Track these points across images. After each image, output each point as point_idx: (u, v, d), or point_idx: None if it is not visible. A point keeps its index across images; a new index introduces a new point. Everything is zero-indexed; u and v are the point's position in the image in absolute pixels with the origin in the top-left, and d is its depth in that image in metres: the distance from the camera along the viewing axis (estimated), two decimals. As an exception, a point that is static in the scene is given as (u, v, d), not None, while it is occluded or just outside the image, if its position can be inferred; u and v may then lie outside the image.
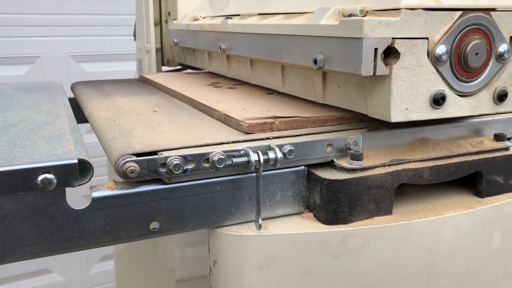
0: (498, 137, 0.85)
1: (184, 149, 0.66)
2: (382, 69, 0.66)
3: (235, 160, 0.67)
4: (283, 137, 0.73)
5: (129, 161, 0.62)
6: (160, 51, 1.72)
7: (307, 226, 0.73)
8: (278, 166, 0.69)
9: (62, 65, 2.61)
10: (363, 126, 0.79)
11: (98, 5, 2.60)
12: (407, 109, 0.69)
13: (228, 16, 1.13)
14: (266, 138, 0.71)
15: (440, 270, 0.79)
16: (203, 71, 1.51)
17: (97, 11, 2.61)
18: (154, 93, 1.13)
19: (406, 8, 0.65)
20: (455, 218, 0.78)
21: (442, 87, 0.70)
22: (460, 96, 0.72)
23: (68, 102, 1.05)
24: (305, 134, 0.74)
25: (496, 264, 0.85)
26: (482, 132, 0.88)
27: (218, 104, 0.90)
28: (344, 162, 0.74)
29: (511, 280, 0.88)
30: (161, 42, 1.72)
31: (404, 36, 0.66)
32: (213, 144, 0.68)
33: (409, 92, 0.68)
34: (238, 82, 1.20)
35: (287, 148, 0.71)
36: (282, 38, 0.84)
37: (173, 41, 1.49)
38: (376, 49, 0.64)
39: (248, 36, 0.97)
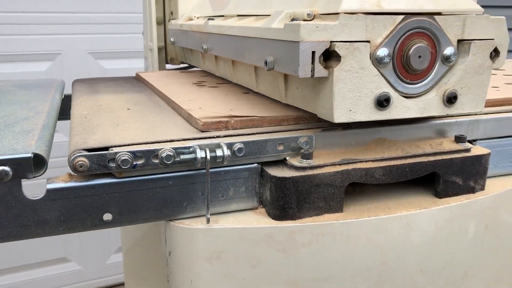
0: (458, 139, 0.86)
1: (135, 145, 0.71)
2: (320, 71, 0.68)
3: (182, 157, 0.71)
4: (235, 135, 0.76)
5: (79, 156, 0.67)
6: (164, 49, 1.77)
7: (256, 221, 0.76)
8: (225, 163, 0.73)
9: (81, 62, 2.70)
10: (319, 126, 0.81)
11: (117, 3, 2.67)
12: (350, 110, 0.71)
13: (211, 17, 1.17)
14: (217, 137, 0.75)
15: (392, 268, 0.81)
16: (198, 69, 1.56)
17: (116, 10, 2.69)
18: (142, 91, 1.18)
19: (345, 13, 0.67)
20: (407, 217, 0.79)
21: (386, 89, 0.72)
22: (407, 97, 0.74)
23: (58, 99, 1.11)
24: (258, 133, 0.77)
25: (454, 265, 0.86)
26: (445, 134, 0.88)
27: (190, 102, 0.94)
28: (295, 161, 0.77)
29: (472, 281, 0.89)
30: (165, 41, 1.77)
31: (343, 40, 0.68)
32: (164, 141, 0.72)
33: (352, 94, 0.70)
34: (224, 81, 1.23)
35: (237, 146, 0.74)
36: (244, 40, 0.87)
37: (171, 40, 1.53)
38: (313, 52, 0.67)
39: (221, 37, 1.01)
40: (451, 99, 0.75)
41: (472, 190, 0.86)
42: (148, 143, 0.71)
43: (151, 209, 0.73)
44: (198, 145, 0.72)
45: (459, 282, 0.87)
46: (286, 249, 0.75)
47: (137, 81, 1.37)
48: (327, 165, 0.77)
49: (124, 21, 2.71)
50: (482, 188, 0.88)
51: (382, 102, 0.71)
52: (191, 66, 1.75)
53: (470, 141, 0.91)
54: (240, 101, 0.96)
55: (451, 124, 0.88)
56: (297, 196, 0.75)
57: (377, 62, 0.70)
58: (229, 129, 0.79)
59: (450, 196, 0.85)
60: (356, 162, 0.78)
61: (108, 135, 0.75)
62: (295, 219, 0.76)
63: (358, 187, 0.87)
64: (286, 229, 0.75)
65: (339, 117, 0.71)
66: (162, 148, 0.70)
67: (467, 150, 0.85)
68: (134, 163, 0.69)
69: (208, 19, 1.13)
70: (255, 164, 0.77)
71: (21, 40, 2.55)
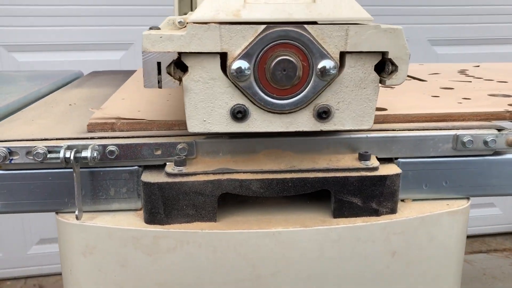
0: (361, 156, 0.79)
1: (16, 141, 0.77)
2: (168, 82, 0.67)
3: (50, 155, 0.75)
4: (112, 137, 0.79)
5: (-42, 148, 0.75)
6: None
7: (127, 222, 0.78)
8: (92, 164, 0.76)
9: (151, 52, 2.87)
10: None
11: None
12: (204, 121, 0.70)
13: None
14: (91, 138, 0.78)
15: (267, 284, 0.78)
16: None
17: (184, 3, 2.81)
18: (118, 86, 1.25)
19: (194, 22, 0.66)
20: (280, 234, 0.76)
21: (242, 101, 0.69)
22: (272, 112, 0.70)
23: (43, 92, 1.22)
24: (137, 137, 0.79)
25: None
26: (356, 150, 0.82)
27: (123, 101, 0.98)
28: (170, 167, 0.78)
29: (374, 310, 0.82)
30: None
31: (193, 51, 0.66)
32: (39, 139, 0.77)
33: (205, 105, 0.69)
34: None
35: (108, 149, 0.77)
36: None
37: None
38: (159, 63, 0.67)
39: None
40: (321, 114, 0.70)
41: (375, 213, 0.79)
42: (25, 140, 0.77)
43: (34, 202, 0.79)
44: (69, 145, 0.76)
45: (357, 309, 0.81)
46: (152, 253, 0.77)
47: (130, 75, 1.44)
48: (198, 173, 0.76)
49: (191, 14, 2.82)
50: (392, 212, 0.80)
51: (236, 115, 0.69)
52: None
53: (388, 159, 0.84)
54: (170, 102, 0.98)
55: (361, 140, 0.81)
56: (164, 202, 0.76)
57: (235, 74, 0.67)
58: (115, 131, 0.81)
59: (346, 217, 0.79)
60: (232, 173, 0.77)
61: (9, 129, 0.82)
62: (163, 224, 0.77)
63: (259, 199, 0.85)
64: (150, 233, 0.76)
65: (193, 127, 0.70)
66: (35, 146, 0.75)
67: (372, 169, 0.79)
68: (10, 158, 0.76)
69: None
70: (136, 167, 0.79)
71: (98, 31, 2.78)
